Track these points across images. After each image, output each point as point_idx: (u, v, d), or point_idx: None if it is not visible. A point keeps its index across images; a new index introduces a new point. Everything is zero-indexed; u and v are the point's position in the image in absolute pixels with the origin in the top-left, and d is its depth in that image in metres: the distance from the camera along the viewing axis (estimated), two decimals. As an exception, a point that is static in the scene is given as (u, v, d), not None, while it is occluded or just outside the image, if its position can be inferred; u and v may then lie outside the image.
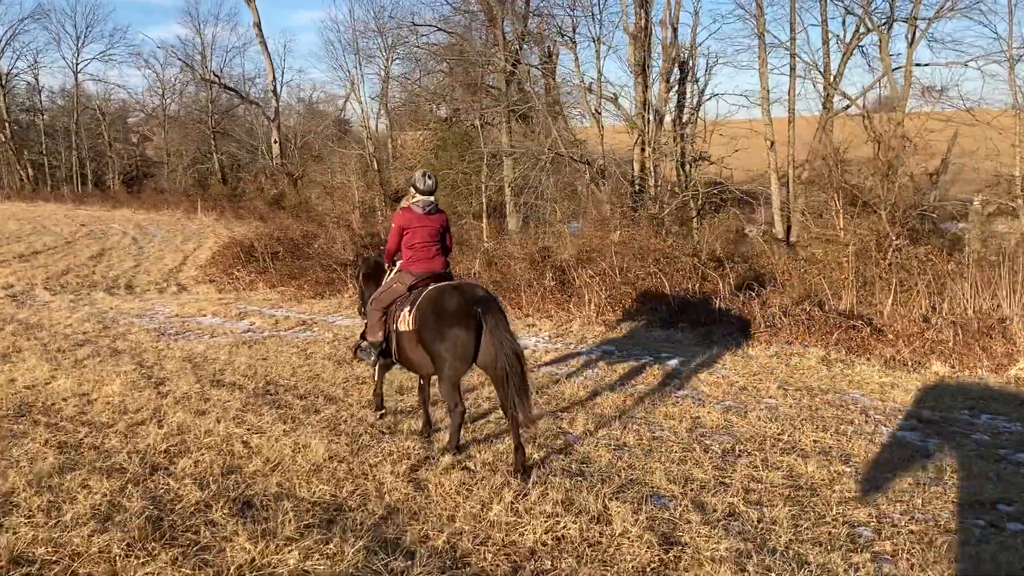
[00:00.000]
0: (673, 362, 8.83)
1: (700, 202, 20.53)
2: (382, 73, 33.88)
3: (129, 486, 5.14)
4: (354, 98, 36.13)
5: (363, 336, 6.44)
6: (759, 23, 17.32)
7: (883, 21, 16.19)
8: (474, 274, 14.77)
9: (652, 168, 20.01)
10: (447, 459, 5.58)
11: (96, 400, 7.38)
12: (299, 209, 36.64)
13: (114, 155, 46.93)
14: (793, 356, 9.09)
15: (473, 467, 5.54)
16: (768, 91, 17.52)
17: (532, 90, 22.59)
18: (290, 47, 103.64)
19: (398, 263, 6.38)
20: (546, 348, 9.90)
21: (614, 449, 5.93)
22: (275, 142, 43.25)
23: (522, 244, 15.27)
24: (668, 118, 21.04)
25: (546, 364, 8.96)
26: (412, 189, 6.21)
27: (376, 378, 6.92)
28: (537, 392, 7.55)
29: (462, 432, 5.87)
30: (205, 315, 13.04)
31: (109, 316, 12.90)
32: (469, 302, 5.48)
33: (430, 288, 5.85)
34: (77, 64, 48.30)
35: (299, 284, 15.89)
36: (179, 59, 42.79)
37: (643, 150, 21.95)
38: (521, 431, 5.49)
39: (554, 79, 27.98)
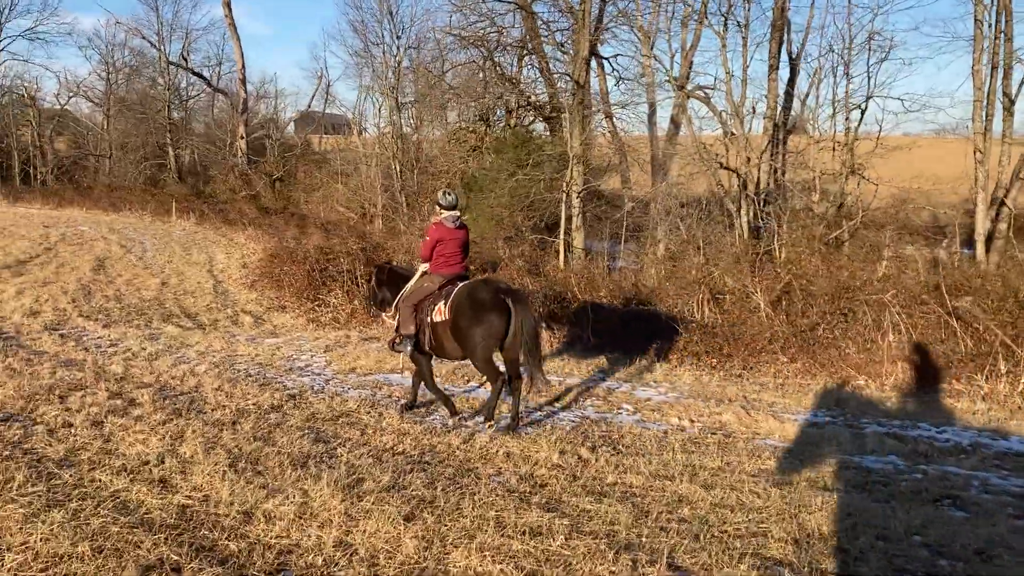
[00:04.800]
0: None
1: (855, 224, 17.53)
2: (393, 63, 29.53)
3: None
4: (363, 90, 31.35)
5: (397, 331, 6.99)
6: (978, 8, 14.35)
7: None
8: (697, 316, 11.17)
9: (817, 183, 16.85)
10: (491, 429, 6.42)
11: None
12: (288, 214, 31.90)
13: (48, 147, 40.50)
14: None
15: None
16: (985, 93, 14.60)
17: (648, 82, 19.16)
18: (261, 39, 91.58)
19: (423, 267, 6.99)
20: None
21: None
22: (241, 138, 38.17)
23: (760, 276, 11.70)
24: (820, 123, 17.99)
25: None
26: (437, 206, 6.89)
27: (420, 378, 7.20)
28: None
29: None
30: (395, 373, 8.95)
31: (251, 372, 8.67)
32: (499, 292, 6.39)
33: (460, 285, 6.66)
34: (-1, 42, 41.62)
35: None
36: (142, 36, 36.98)
37: (773, 156, 18.82)
38: (522, 395, 6.56)
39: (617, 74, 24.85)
